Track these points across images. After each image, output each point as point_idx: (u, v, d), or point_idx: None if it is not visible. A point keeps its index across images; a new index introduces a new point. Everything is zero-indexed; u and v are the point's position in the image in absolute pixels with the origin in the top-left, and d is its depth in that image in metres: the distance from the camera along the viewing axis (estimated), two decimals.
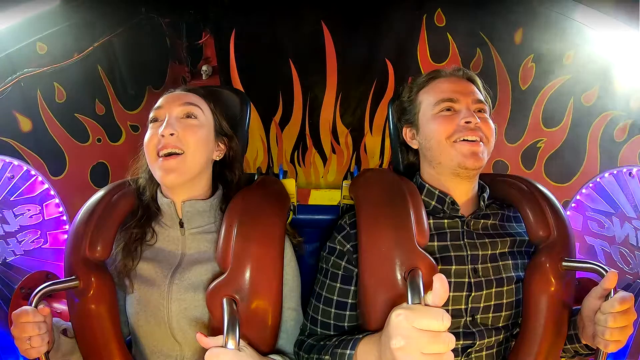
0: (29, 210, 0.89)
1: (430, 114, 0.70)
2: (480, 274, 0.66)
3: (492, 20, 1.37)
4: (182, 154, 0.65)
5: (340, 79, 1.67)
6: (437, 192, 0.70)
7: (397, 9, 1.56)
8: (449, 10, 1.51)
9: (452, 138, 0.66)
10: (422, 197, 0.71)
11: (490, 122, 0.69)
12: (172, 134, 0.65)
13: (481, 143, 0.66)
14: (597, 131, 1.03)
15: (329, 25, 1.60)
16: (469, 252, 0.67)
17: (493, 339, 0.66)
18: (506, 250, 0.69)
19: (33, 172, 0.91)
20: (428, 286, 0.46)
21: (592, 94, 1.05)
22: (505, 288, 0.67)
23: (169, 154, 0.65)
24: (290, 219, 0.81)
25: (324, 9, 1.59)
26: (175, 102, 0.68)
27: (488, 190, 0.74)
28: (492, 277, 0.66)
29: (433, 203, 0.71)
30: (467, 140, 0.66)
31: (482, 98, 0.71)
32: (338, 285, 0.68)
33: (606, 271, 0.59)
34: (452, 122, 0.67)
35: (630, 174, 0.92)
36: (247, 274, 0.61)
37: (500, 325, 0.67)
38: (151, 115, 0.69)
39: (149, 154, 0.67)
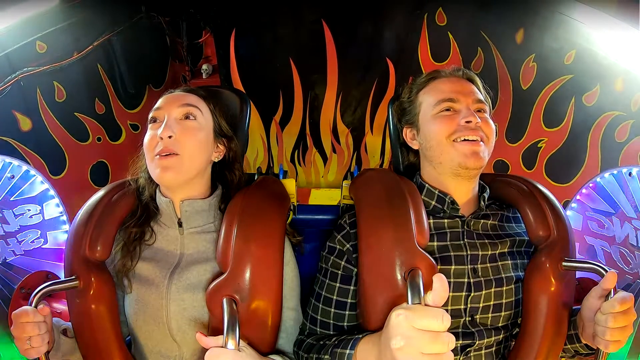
0: (29, 210, 0.89)
1: (430, 114, 0.70)
2: (480, 274, 0.66)
3: (494, 20, 1.36)
4: (179, 155, 0.65)
5: (341, 78, 1.67)
6: (437, 192, 0.70)
7: (398, 8, 1.55)
8: (450, 10, 1.51)
9: (452, 137, 0.66)
10: (422, 197, 0.71)
11: (491, 122, 0.69)
12: (170, 137, 0.65)
13: (482, 143, 0.66)
14: (598, 131, 1.02)
15: (330, 24, 1.60)
16: (468, 252, 0.67)
17: (492, 339, 0.66)
18: (506, 250, 0.69)
19: (33, 172, 0.91)
20: (428, 286, 0.46)
21: (593, 94, 1.04)
22: (504, 288, 0.67)
23: (167, 155, 0.65)
24: (290, 218, 0.81)
25: (325, 7, 1.58)
26: (174, 104, 0.68)
27: (488, 191, 0.74)
28: (492, 277, 0.66)
29: (433, 203, 0.71)
30: (467, 140, 0.66)
31: (482, 98, 0.71)
32: (338, 285, 0.68)
33: (606, 271, 0.59)
34: (452, 122, 0.67)
35: (630, 174, 0.92)
36: (247, 274, 0.61)
37: (499, 325, 0.67)
38: (150, 115, 0.69)
39: (147, 154, 0.67)
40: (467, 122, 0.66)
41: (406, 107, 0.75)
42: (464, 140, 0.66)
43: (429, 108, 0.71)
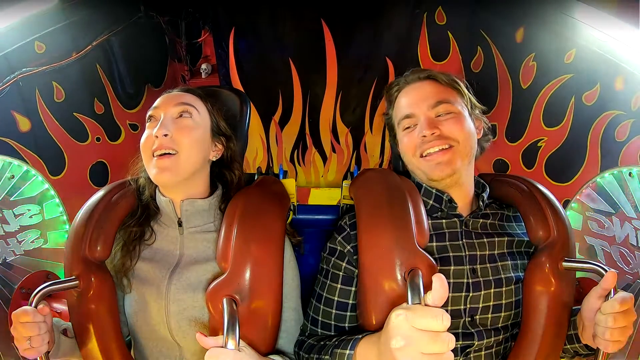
0: (29, 210, 0.89)
1: (399, 132, 0.72)
2: (479, 274, 0.66)
3: (493, 19, 1.36)
4: (175, 154, 0.65)
5: (340, 77, 1.67)
6: (434, 191, 0.70)
7: (398, 7, 1.55)
8: (450, 9, 1.51)
9: (417, 153, 0.68)
10: (420, 196, 0.71)
11: (464, 119, 0.67)
12: (165, 135, 0.65)
13: (447, 151, 0.65)
14: (598, 131, 1.02)
15: (329, 24, 1.59)
16: (467, 253, 0.67)
17: (492, 339, 0.66)
18: (505, 250, 0.69)
19: (33, 172, 0.91)
20: (428, 286, 0.46)
21: (593, 93, 1.04)
22: (504, 289, 0.67)
23: (163, 154, 0.65)
24: (290, 219, 0.81)
25: (324, 7, 1.58)
26: (170, 103, 0.68)
27: (488, 190, 0.74)
28: (491, 278, 0.66)
29: (431, 202, 0.71)
30: (430, 153, 0.66)
31: (442, 97, 0.68)
32: (339, 286, 0.68)
33: (606, 271, 0.59)
34: (412, 138, 0.68)
35: (630, 174, 0.92)
36: (247, 274, 0.61)
37: (499, 325, 0.67)
38: (148, 115, 0.69)
39: (144, 154, 0.67)
40: (423, 136, 0.66)
41: (388, 122, 0.77)
42: (428, 154, 0.66)
43: (397, 126, 0.73)
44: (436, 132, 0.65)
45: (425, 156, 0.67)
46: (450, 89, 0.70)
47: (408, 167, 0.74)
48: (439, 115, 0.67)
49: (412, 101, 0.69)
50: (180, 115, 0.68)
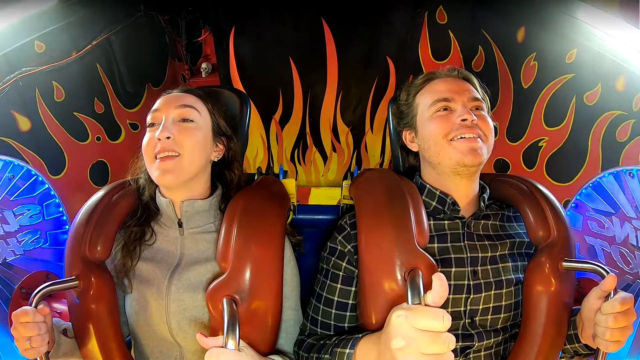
0: (29, 210, 0.89)
1: (427, 115, 0.70)
2: (480, 276, 0.66)
3: (494, 18, 1.36)
4: (178, 156, 0.65)
5: (341, 76, 1.67)
6: (438, 193, 0.70)
7: (398, 6, 1.55)
8: (451, 8, 1.50)
9: (450, 136, 0.66)
10: (423, 197, 0.70)
11: (489, 119, 0.69)
12: (168, 137, 0.65)
13: (479, 140, 0.66)
14: (599, 131, 1.02)
15: (330, 23, 1.59)
16: (468, 255, 0.67)
17: (492, 340, 0.66)
18: (506, 252, 0.69)
19: (33, 172, 0.90)
20: (428, 286, 0.46)
21: (594, 93, 1.04)
22: (504, 290, 0.67)
23: (166, 156, 0.65)
24: (290, 218, 0.81)
25: (325, 6, 1.58)
26: (171, 105, 0.68)
27: (488, 191, 0.74)
28: (492, 280, 0.67)
29: (434, 204, 0.71)
30: (464, 137, 0.66)
31: (478, 96, 0.70)
32: (339, 286, 0.68)
33: (606, 272, 0.59)
34: (448, 121, 0.67)
35: (630, 174, 0.91)
36: (247, 274, 0.61)
37: (499, 327, 0.67)
38: (148, 117, 0.69)
39: (146, 156, 0.67)
40: (463, 120, 0.66)
41: (404, 109, 0.76)
42: (461, 138, 0.66)
43: (425, 109, 0.71)
44: (475, 120, 0.66)
45: (458, 140, 0.65)
46: (480, 93, 0.72)
47: (426, 155, 0.71)
48: (475, 109, 0.68)
49: (452, 88, 0.69)
50: (182, 118, 0.68)
